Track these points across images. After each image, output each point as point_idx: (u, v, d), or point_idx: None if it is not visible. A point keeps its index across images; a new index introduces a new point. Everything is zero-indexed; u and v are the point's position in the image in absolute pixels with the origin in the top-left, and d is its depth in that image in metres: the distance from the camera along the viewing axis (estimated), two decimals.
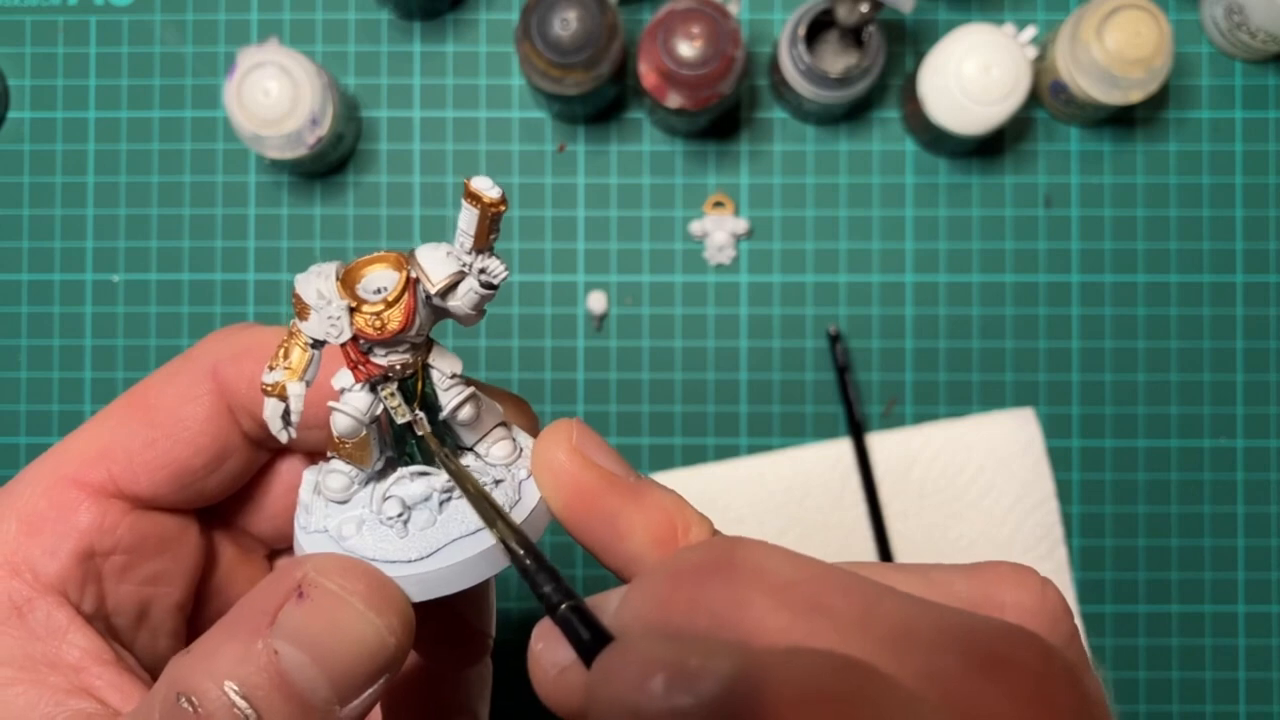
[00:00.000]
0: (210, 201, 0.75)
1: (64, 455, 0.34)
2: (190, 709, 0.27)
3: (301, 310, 0.30)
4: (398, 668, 0.29)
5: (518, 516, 0.30)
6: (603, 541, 0.29)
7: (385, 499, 0.31)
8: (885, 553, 0.73)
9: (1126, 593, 0.75)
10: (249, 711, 0.26)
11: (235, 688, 0.27)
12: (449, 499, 0.31)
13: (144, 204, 0.75)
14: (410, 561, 0.30)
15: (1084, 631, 0.73)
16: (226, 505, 0.38)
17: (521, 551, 0.28)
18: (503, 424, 0.33)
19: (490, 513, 0.29)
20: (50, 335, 0.75)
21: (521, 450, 0.32)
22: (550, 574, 0.27)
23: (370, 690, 0.28)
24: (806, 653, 0.22)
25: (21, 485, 0.34)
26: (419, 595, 0.30)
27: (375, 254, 0.31)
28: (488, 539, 0.28)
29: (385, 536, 0.30)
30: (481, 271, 0.29)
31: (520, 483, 0.31)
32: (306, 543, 0.31)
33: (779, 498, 0.73)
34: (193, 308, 0.75)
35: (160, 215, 0.75)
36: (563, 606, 0.26)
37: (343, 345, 0.30)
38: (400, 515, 0.30)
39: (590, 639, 0.25)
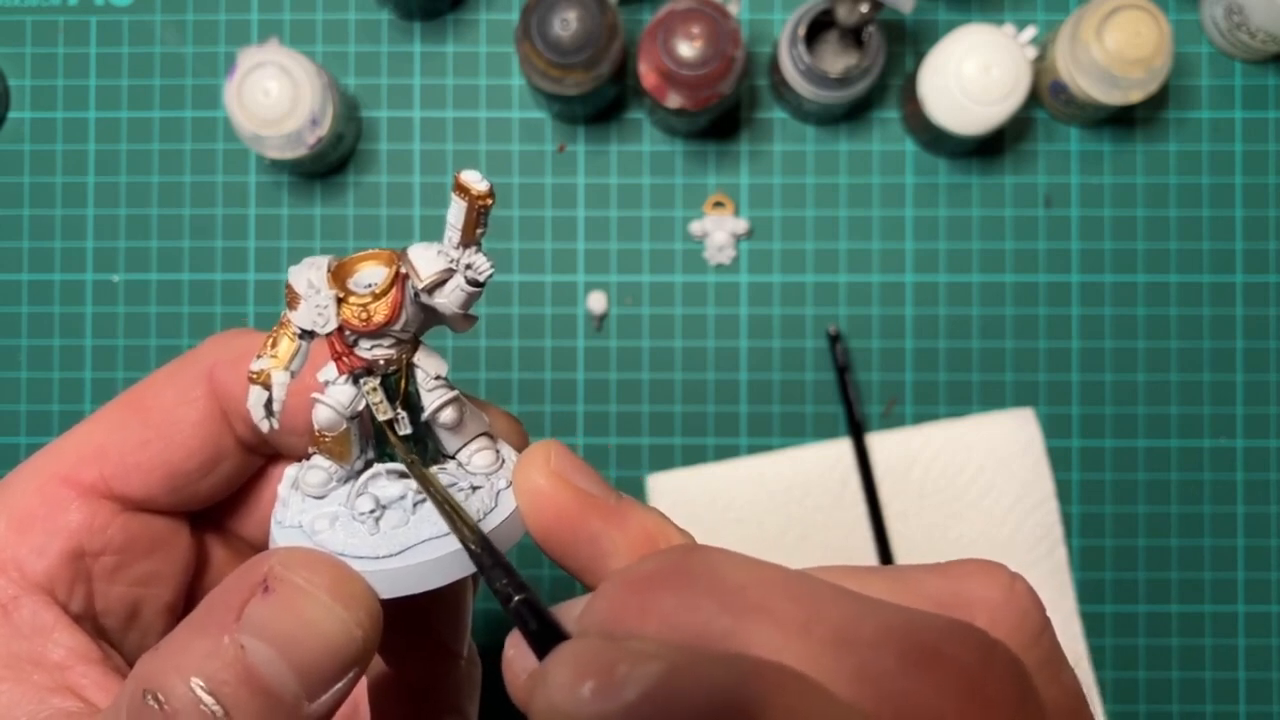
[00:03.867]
0: (210, 201, 0.75)
1: (57, 454, 0.34)
2: (157, 706, 0.26)
3: (292, 300, 0.30)
4: (366, 662, 0.29)
5: (489, 524, 0.30)
6: (586, 563, 0.29)
7: (359, 495, 0.31)
8: (885, 553, 0.73)
9: (1126, 593, 0.74)
10: (216, 708, 0.26)
11: (202, 684, 0.26)
12: (423, 500, 0.31)
13: (144, 204, 0.75)
14: (379, 558, 0.30)
15: (1084, 632, 0.73)
16: (219, 508, 0.38)
17: (476, 546, 0.27)
18: (487, 434, 0.33)
19: (448, 509, 0.29)
20: (50, 335, 0.75)
21: (504, 461, 0.32)
22: (505, 569, 0.26)
23: (339, 685, 0.28)
24: (724, 658, 0.22)
25: (13, 483, 0.34)
26: (386, 592, 0.30)
27: (369, 251, 0.31)
28: (458, 541, 0.28)
29: (356, 533, 0.30)
30: (468, 268, 0.30)
31: (498, 492, 0.31)
32: (280, 537, 0.31)
33: (779, 498, 0.73)
34: (193, 308, 0.75)
35: (160, 215, 0.75)
36: (515, 600, 0.26)
37: (328, 336, 0.30)
38: (373, 512, 0.30)
39: (540, 631, 0.25)
